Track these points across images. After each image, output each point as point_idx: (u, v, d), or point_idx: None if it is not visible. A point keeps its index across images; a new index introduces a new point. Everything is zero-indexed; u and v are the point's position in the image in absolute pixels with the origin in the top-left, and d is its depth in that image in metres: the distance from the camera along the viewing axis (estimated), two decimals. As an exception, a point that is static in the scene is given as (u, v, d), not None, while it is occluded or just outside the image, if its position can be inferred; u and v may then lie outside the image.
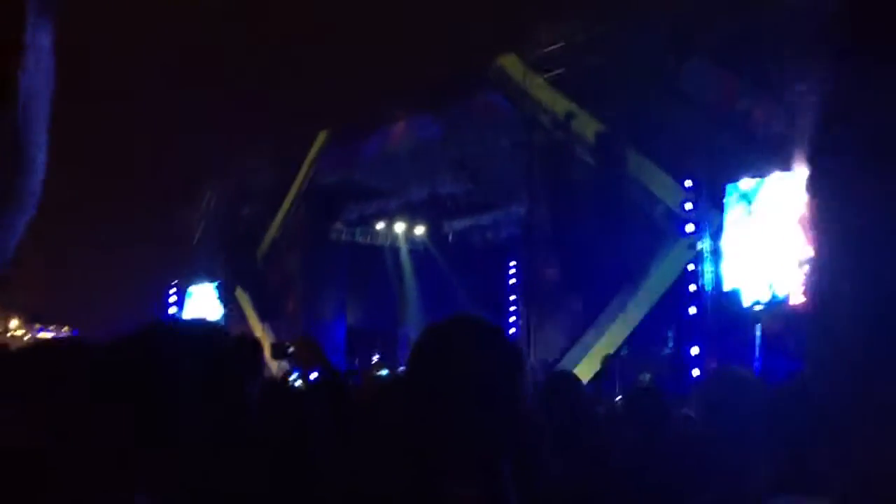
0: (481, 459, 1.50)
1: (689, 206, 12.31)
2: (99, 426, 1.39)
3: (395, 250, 20.44)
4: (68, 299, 22.79)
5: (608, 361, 11.65)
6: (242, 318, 20.76)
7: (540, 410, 3.60)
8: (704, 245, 12.22)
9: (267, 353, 6.24)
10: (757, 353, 10.80)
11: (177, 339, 1.53)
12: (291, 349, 5.99)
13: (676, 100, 11.94)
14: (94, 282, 22.14)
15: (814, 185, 0.56)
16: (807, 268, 0.56)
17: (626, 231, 12.64)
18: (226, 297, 21.87)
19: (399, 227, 19.76)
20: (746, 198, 11.54)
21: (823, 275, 0.54)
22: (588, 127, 13.36)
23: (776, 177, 10.77)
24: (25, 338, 21.54)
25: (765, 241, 10.89)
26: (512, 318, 17.49)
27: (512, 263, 17.93)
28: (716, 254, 12.09)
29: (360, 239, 20.10)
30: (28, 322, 22.53)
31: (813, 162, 0.56)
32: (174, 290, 23.57)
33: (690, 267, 12.35)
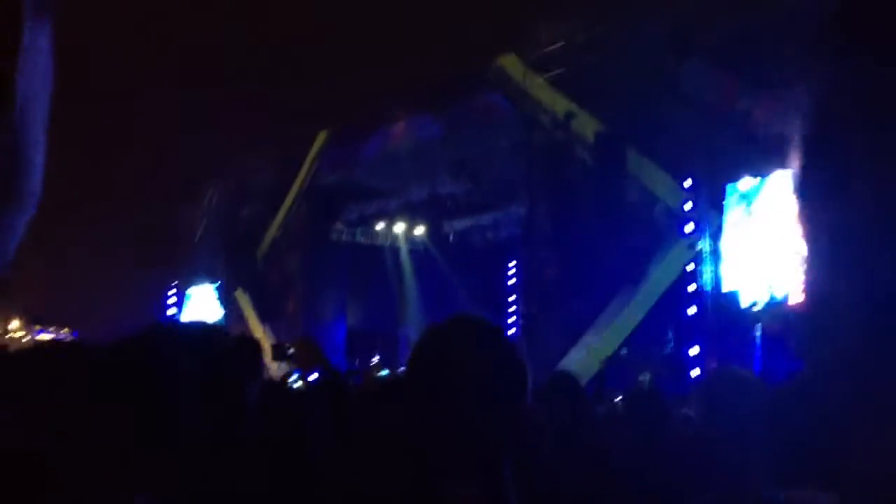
0: (481, 459, 1.50)
1: (688, 205, 12.31)
2: (99, 427, 1.39)
3: (395, 250, 20.44)
4: (68, 301, 22.79)
5: (607, 362, 11.64)
6: (242, 318, 20.77)
7: (540, 411, 3.60)
8: (704, 245, 12.22)
9: (267, 354, 6.24)
10: (757, 354, 10.80)
11: (176, 341, 1.54)
12: (291, 350, 5.99)
13: (676, 100, 11.94)
14: (94, 283, 22.15)
15: (809, 184, 0.56)
16: (804, 267, 0.56)
17: (626, 231, 12.64)
18: (226, 297, 21.88)
19: (399, 228, 19.76)
20: (746, 198, 11.55)
21: (820, 274, 0.54)
22: (588, 127, 13.36)
23: (776, 176, 10.77)
24: (25, 339, 21.54)
25: (764, 242, 10.90)
26: (512, 318, 17.50)
27: (512, 263, 17.94)
28: (715, 254, 12.09)
29: (360, 239, 20.10)
30: (28, 323, 22.52)
31: (808, 160, 0.56)
32: (174, 290, 23.57)
33: (690, 267, 12.35)
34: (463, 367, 1.54)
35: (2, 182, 0.62)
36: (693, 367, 11.66)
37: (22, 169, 0.63)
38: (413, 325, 18.91)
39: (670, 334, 12.88)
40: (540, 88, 14.33)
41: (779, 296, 10.58)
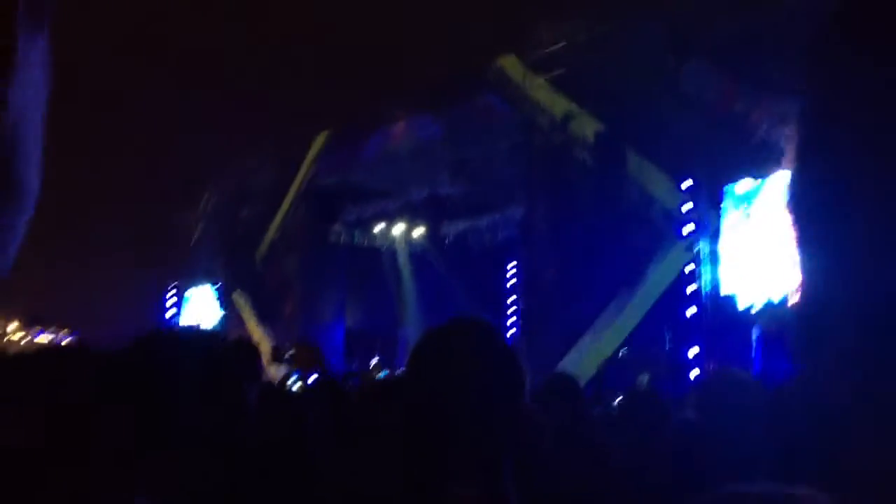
0: (481, 460, 1.50)
1: (687, 207, 12.31)
2: (99, 429, 1.39)
3: (393, 252, 20.43)
4: (67, 302, 22.78)
5: (606, 363, 11.66)
6: (241, 320, 20.76)
7: (539, 412, 3.60)
8: (703, 246, 12.22)
9: (266, 356, 6.25)
10: (755, 355, 10.81)
11: (177, 345, 1.55)
12: (290, 353, 6.01)
13: (675, 101, 11.94)
14: (93, 284, 22.14)
15: (807, 184, 0.56)
16: (798, 267, 0.56)
17: (625, 232, 12.65)
18: (224, 299, 21.87)
19: (398, 229, 19.76)
20: (744, 200, 11.55)
21: (818, 274, 0.54)
22: (587, 128, 13.36)
23: (776, 178, 10.78)
24: (24, 341, 21.52)
25: (762, 245, 10.90)
26: (511, 320, 17.49)
27: (511, 265, 17.93)
28: (714, 256, 12.09)
29: (358, 241, 20.10)
30: (27, 324, 22.51)
31: (806, 161, 0.56)
32: (173, 292, 23.57)
33: (689, 268, 12.35)
34: (461, 368, 1.55)
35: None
36: (692, 368, 11.67)
37: (15, 185, 0.62)
38: (412, 326, 18.91)
39: (668, 335, 12.89)
40: (539, 89, 14.34)
41: (776, 298, 10.58)
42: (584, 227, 12.97)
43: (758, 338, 10.82)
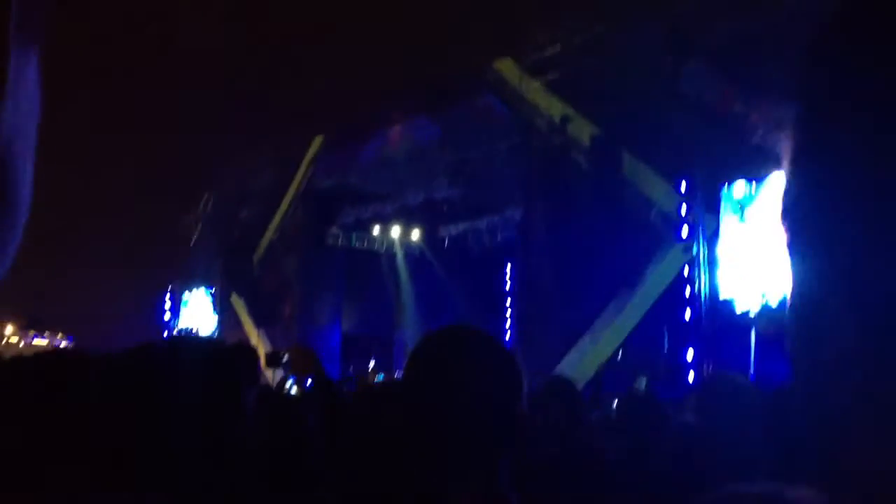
0: (479, 464, 1.50)
1: (684, 209, 12.32)
2: (99, 433, 1.39)
3: (391, 254, 20.43)
4: (63, 306, 22.74)
5: (604, 366, 11.64)
6: (238, 324, 20.74)
7: (537, 415, 3.60)
8: (701, 249, 12.22)
9: (262, 361, 6.25)
10: (752, 358, 10.81)
11: (176, 349, 1.55)
12: (286, 358, 5.99)
13: (673, 103, 11.94)
14: (89, 288, 22.10)
15: (802, 185, 0.56)
16: (792, 269, 0.56)
17: (622, 234, 12.66)
18: (221, 302, 21.86)
19: (395, 232, 19.75)
20: (740, 204, 11.54)
21: (816, 275, 0.54)
22: (584, 130, 13.38)
23: (773, 180, 10.78)
24: (20, 345, 21.48)
25: (759, 248, 10.90)
26: (508, 322, 17.50)
27: (508, 267, 17.94)
28: (711, 258, 12.09)
29: (356, 243, 20.09)
30: (22, 328, 22.46)
31: (802, 162, 0.56)
32: (169, 295, 23.55)
33: (686, 271, 12.36)
34: (460, 371, 1.55)
35: None
36: (689, 371, 11.67)
37: (9, 197, 0.62)
38: (409, 329, 18.90)
39: (666, 338, 12.89)
40: (536, 92, 14.36)
41: (773, 301, 10.59)
42: (581, 229, 12.98)
43: (755, 341, 10.83)
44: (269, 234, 20.56)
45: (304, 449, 2.84)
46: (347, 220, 19.61)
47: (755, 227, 11.16)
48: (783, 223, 0.58)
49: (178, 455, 1.39)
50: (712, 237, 12.05)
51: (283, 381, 6.91)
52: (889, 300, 0.46)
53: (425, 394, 1.56)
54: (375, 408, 2.52)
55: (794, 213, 0.56)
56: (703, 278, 12.12)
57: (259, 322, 20.03)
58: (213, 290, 22.24)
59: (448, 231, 19.08)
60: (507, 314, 17.67)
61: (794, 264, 0.56)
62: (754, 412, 2.52)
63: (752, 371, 10.48)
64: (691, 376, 11.53)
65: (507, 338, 16.66)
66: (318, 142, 19.32)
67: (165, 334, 21.32)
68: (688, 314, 12.17)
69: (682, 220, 12.30)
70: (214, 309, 22.10)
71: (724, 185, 11.67)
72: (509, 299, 17.76)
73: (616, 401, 7.11)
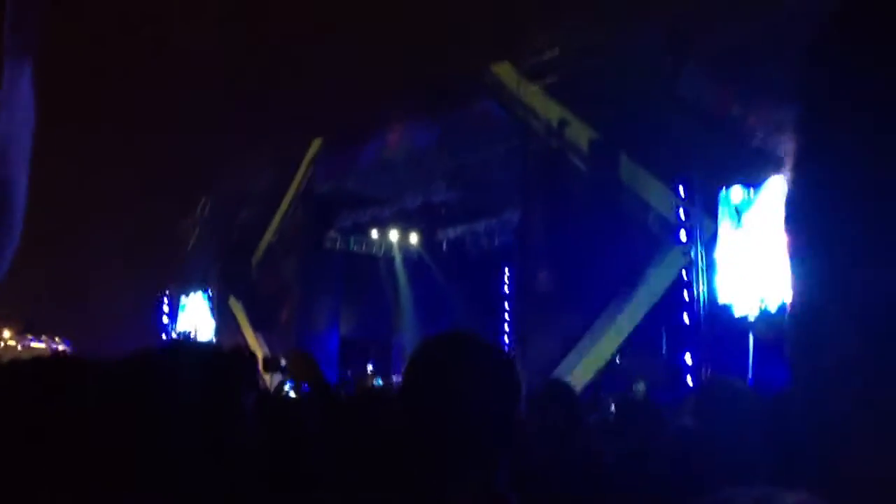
0: (478, 467, 1.51)
1: (682, 213, 12.32)
2: (97, 436, 1.39)
3: (389, 258, 20.41)
4: (60, 310, 22.70)
5: (602, 370, 11.66)
6: (236, 327, 20.72)
7: (535, 419, 3.60)
8: (699, 253, 12.21)
9: (260, 366, 6.24)
10: (750, 362, 10.80)
11: (176, 354, 1.55)
12: (284, 362, 5.98)
13: (671, 106, 11.95)
14: (87, 292, 22.06)
15: (804, 187, 0.56)
16: (792, 273, 0.56)
17: (620, 238, 12.65)
18: (219, 306, 21.84)
19: (393, 235, 19.74)
20: (737, 209, 11.54)
21: (815, 279, 0.53)
22: (582, 134, 13.40)
23: (771, 184, 10.78)
24: (18, 348, 21.45)
25: (758, 252, 10.89)
26: (506, 326, 17.49)
27: (506, 271, 17.94)
28: (709, 262, 12.08)
29: (354, 247, 20.07)
30: (19, 332, 22.43)
31: (803, 164, 0.56)
32: (167, 299, 23.52)
33: (684, 275, 12.35)
34: (459, 376, 1.56)
35: None
36: (687, 375, 11.66)
37: (4, 202, 0.61)
38: (407, 333, 18.89)
39: (665, 342, 12.89)
40: (534, 96, 14.38)
41: (772, 306, 10.58)
42: (580, 232, 12.97)
43: (753, 345, 10.82)
44: (268, 236, 20.55)
45: (303, 451, 2.84)
46: (346, 223, 19.60)
47: (753, 231, 11.15)
48: (785, 227, 0.58)
49: (177, 458, 1.39)
50: (710, 241, 12.04)
51: (281, 385, 6.90)
52: (889, 307, 0.46)
53: (424, 398, 1.56)
54: (373, 411, 2.52)
55: (797, 214, 0.56)
56: (702, 282, 12.11)
57: (257, 326, 20.01)
58: (210, 294, 22.21)
59: (446, 234, 19.07)
60: (506, 317, 17.66)
61: (794, 267, 0.56)
62: (752, 416, 2.52)
63: (749, 375, 10.47)
64: (689, 380, 11.52)
65: (506, 341, 16.66)
66: (315, 146, 19.32)
67: (163, 338, 21.32)
68: (686, 318, 12.16)
69: (681, 224, 12.30)
70: (212, 313, 22.07)
71: (722, 188, 11.66)
72: (507, 303, 17.76)
73: (614, 404, 7.12)
